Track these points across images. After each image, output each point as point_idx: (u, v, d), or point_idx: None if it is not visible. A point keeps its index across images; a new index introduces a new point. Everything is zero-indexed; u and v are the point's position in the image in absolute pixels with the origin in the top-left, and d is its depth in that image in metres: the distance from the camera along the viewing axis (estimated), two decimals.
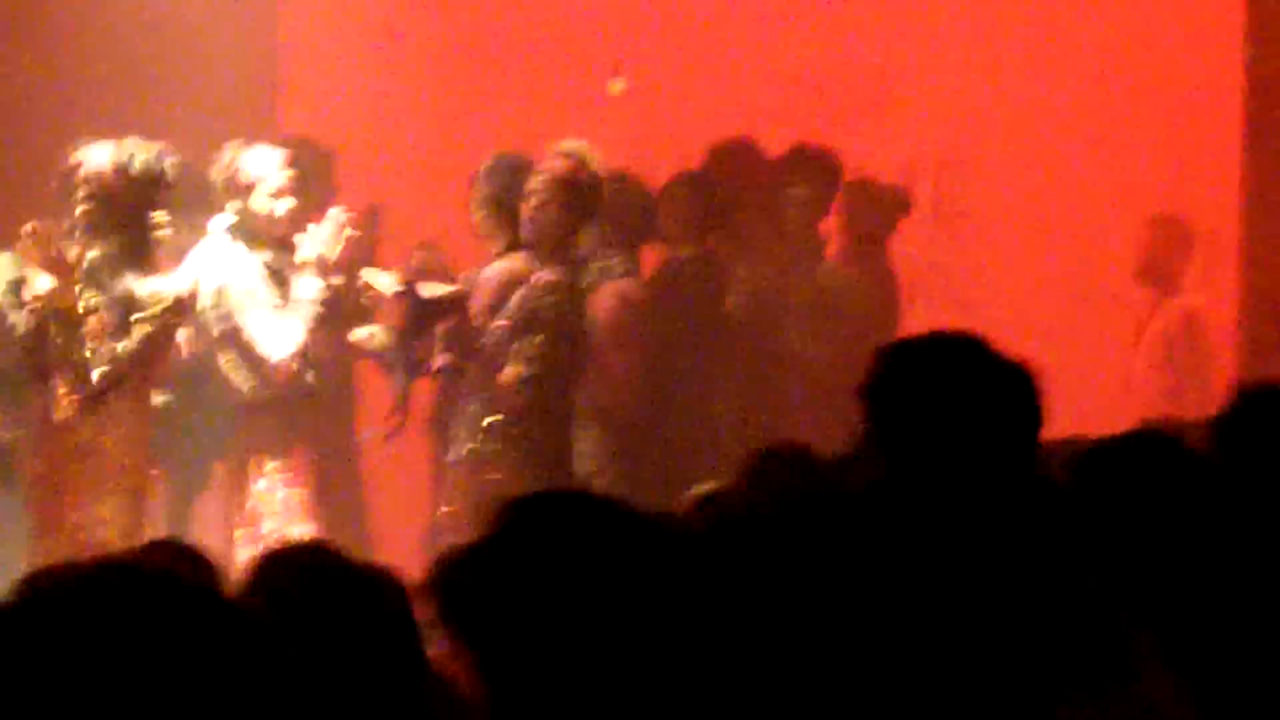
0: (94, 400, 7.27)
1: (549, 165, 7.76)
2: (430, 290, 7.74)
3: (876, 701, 2.99)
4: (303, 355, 7.62)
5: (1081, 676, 3.39)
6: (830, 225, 9.01)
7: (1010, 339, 3.83)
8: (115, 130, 7.94)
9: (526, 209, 7.76)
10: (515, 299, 7.64)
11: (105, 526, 6.97)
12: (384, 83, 10.65)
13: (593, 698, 2.63)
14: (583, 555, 2.68)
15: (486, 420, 7.66)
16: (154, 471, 7.56)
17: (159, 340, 7.34)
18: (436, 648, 3.85)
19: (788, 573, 3.04)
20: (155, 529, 7.30)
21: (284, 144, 8.12)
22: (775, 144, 9.09)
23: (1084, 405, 5.82)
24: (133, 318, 7.28)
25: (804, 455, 5.17)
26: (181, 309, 7.40)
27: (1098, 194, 10.03)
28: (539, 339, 7.62)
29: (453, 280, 7.94)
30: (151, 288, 7.32)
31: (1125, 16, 10.06)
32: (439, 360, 7.68)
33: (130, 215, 7.29)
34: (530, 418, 7.66)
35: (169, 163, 7.26)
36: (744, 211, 8.87)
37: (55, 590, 2.01)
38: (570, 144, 7.86)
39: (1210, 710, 3.60)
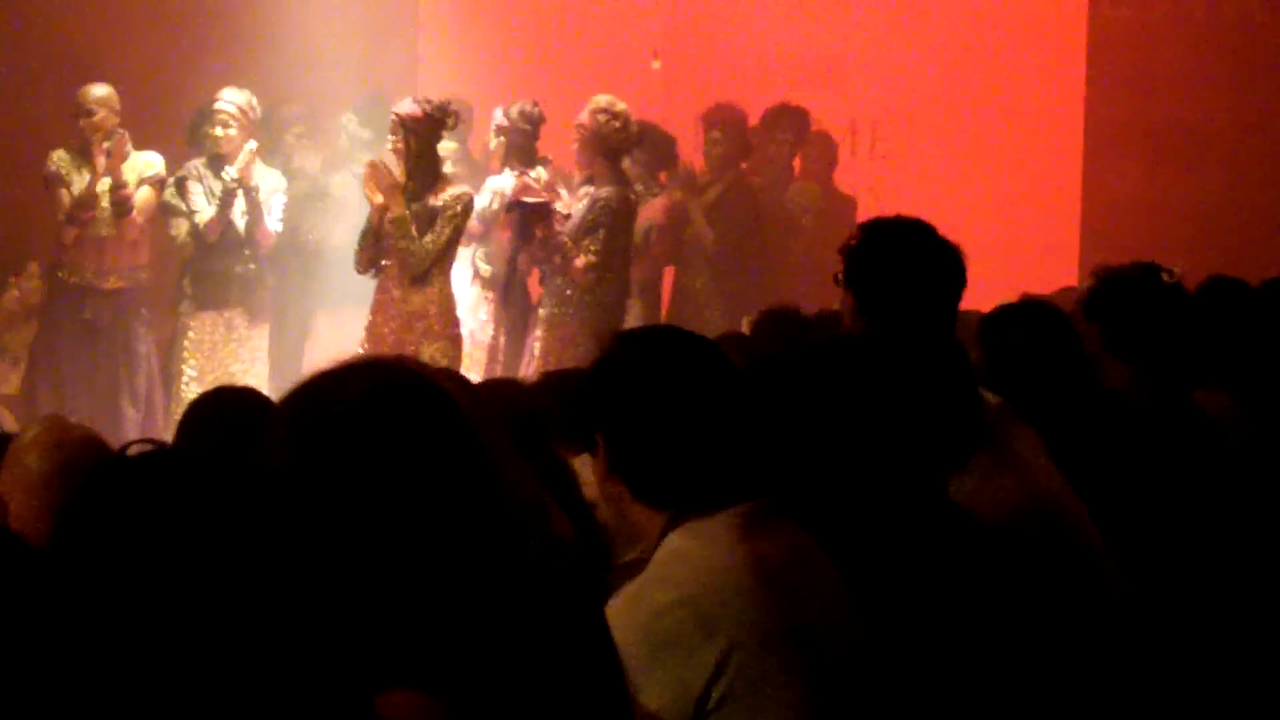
0: (420, 280, 8.41)
1: (581, 119, 8.78)
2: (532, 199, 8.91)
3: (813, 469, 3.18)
4: None
5: (966, 449, 3.69)
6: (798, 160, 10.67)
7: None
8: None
9: (574, 149, 9.03)
10: (580, 210, 8.79)
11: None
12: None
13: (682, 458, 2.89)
14: (679, 363, 2.93)
15: (568, 291, 8.84)
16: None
17: (457, 235, 8.55)
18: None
19: (803, 390, 3.26)
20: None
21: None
22: (759, 107, 10.58)
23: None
24: (438, 221, 8.38)
25: (795, 312, 6.34)
26: (469, 213, 8.58)
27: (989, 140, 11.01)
28: (600, 236, 8.75)
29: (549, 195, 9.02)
30: (443, 199, 8.43)
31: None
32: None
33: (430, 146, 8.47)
34: (594, 290, 8.80)
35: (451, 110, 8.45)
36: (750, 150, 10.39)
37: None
38: (598, 99, 8.78)
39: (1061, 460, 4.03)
